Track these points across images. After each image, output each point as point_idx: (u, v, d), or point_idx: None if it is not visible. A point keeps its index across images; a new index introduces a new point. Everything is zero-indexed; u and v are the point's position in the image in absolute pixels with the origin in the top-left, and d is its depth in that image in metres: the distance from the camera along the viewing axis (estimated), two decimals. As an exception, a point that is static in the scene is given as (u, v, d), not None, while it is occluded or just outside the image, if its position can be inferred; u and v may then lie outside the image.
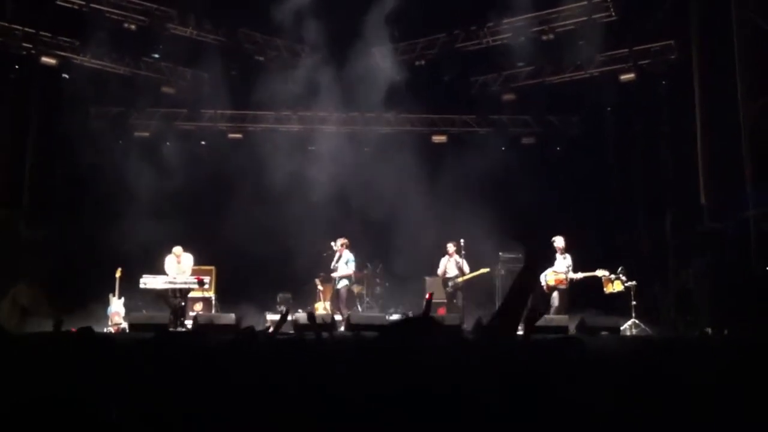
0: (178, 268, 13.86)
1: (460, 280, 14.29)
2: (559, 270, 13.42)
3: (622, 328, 12.41)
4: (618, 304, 13.35)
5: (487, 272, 14.60)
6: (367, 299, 16.37)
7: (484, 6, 15.79)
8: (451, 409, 3.10)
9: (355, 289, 16.06)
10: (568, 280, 13.34)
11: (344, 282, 14.27)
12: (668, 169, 15.11)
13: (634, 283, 13.18)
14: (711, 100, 13.46)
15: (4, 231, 14.64)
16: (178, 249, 14.00)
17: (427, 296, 14.21)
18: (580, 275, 13.35)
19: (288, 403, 3.45)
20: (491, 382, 3.49)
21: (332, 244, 14.62)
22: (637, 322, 12.70)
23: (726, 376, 4.14)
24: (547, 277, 13.43)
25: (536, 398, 3.35)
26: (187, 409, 3.41)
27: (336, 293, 14.57)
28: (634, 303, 13.01)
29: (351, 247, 14.52)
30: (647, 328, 12.62)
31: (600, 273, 13.30)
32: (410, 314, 13.43)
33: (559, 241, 13.63)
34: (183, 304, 13.62)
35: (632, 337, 12.21)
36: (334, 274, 14.43)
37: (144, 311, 13.77)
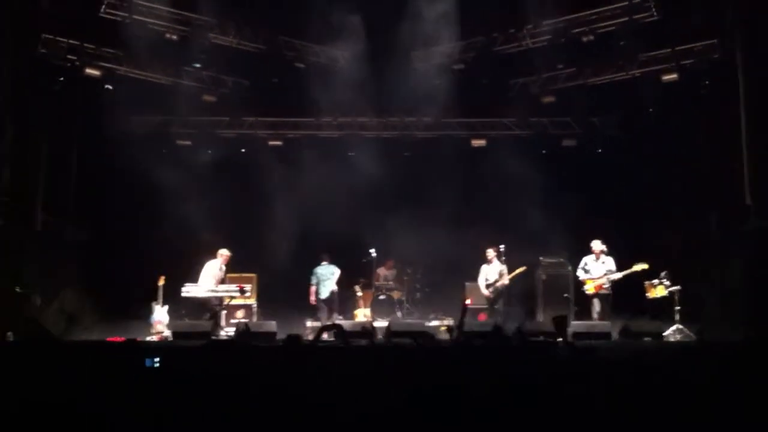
0: (218, 274, 13.93)
1: (500, 284, 14.18)
2: (596, 275, 13.27)
3: (665, 333, 12.20)
4: (662, 309, 13.12)
5: (526, 270, 14.42)
6: (407, 305, 16.33)
7: (522, 8, 15.66)
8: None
9: (395, 295, 16.07)
10: (609, 283, 13.19)
11: None
12: (711, 169, 14.84)
13: (678, 287, 12.96)
14: (756, 97, 13.23)
15: (51, 238, 14.91)
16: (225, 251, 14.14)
17: (468, 302, 14.18)
18: (619, 274, 13.19)
19: (329, 410, 3.46)
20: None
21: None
22: (681, 327, 12.46)
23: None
24: (586, 286, 13.30)
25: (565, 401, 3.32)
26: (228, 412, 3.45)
27: None
28: (678, 308, 12.78)
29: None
30: (691, 333, 12.38)
31: (639, 267, 13.05)
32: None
33: (596, 245, 13.46)
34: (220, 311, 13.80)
35: (676, 342, 12.02)
36: None
37: (186, 319, 13.90)
